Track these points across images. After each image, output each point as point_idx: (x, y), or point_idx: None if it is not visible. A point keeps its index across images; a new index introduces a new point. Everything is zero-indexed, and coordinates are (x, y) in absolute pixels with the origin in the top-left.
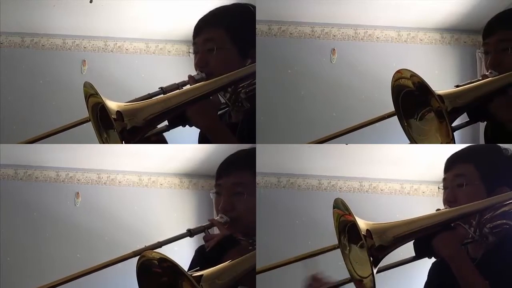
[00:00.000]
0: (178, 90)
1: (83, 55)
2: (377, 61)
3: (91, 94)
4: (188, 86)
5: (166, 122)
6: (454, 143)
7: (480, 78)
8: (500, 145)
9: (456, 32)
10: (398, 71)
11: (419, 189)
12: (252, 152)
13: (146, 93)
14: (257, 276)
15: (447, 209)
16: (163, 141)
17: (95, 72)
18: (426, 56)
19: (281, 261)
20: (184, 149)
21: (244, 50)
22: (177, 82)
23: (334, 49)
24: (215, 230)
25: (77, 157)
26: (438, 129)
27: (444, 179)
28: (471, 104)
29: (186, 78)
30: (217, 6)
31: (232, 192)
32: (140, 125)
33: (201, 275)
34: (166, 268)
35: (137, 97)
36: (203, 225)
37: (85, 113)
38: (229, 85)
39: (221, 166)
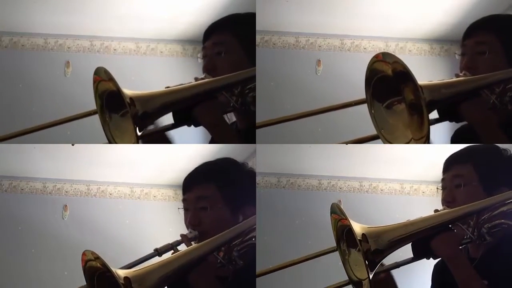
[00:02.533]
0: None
1: (67, 56)
2: (364, 73)
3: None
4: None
5: (172, 121)
6: (429, 139)
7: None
8: (500, 145)
9: (446, 42)
10: (379, 54)
11: (419, 189)
12: (216, 164)
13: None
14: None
15: (444, 211)
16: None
17: (80, 75)
18: (415, 68)
19: (281, 264)
20: (178, 159)
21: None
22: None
23: (319, 60)
24: None
25: (65, 168)
26: (409, 125)
27: (443, 180)
28: (448, 99)
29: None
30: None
31: (197, 207)
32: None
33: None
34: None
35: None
36: (171, 242)
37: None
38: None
39: (184, 181)
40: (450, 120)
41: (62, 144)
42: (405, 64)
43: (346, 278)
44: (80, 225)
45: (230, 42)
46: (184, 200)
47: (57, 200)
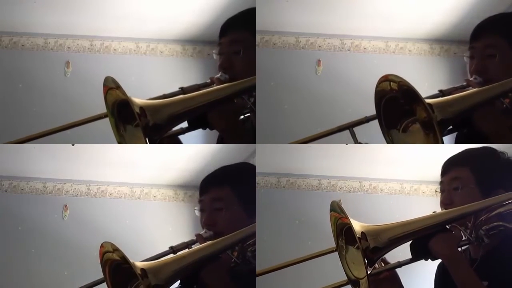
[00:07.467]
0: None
1: (67, 56)
2: (364, 73)
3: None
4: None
5: (186, 124)
6: None
7: (464, 84)
8: (497, 148)
9: (446, 42)
10: (384, 76)
11: (419, 189)
12: (233, 168)
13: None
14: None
15: (442, 211)
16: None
17: (80, 75)
18: (415, 68)
19: (280, 263)
20: (179, 160)
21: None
22: (198, 83)
23: (319, 60)
24: None
25: (65, 168)
26: (425, 143)
27: (441, 182)
28: (460, 115)
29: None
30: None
31: (212, 208)
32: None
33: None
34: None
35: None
36: (186, 241)
37: (70, 119)
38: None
39: (202, 183)
40: (464, 130)
41: (62, 144)
42: (410, 84)
43: (343, 279)
44: (80, 225)
45: (248, 40)
46: (200, 201)
47: (57, 200)
